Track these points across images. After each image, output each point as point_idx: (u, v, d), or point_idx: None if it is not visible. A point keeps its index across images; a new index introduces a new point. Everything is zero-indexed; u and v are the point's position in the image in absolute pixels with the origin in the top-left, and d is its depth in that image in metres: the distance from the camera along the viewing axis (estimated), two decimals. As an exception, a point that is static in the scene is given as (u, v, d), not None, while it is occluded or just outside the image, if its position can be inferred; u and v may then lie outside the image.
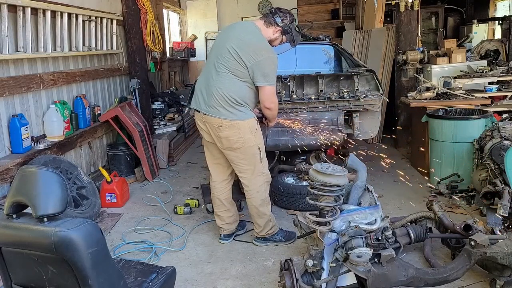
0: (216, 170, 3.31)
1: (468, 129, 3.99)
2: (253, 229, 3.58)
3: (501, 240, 2.54)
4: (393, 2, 5.89)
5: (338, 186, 2.29)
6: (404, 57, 5.57)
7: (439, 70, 5.64)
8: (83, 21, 4.47)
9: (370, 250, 2.20)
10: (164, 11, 8.03)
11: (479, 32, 8.31)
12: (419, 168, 4.85)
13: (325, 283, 2.26)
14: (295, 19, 3.19)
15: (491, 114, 4.13)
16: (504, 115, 4.37)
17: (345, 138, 3.91)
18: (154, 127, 5.95)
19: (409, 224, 2.98)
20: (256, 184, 3.16)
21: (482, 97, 5.06)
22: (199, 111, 3.11)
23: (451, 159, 4.09)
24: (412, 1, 5.56)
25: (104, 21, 4.94)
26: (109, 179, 4.18)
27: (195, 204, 4.08)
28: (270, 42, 3.07)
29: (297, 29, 3.16)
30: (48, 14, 3.80)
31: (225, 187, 3.33)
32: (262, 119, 3.27)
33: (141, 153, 4.90)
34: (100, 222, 3.79)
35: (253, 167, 3.12)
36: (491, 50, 6.84)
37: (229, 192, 3.36)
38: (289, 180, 4.08)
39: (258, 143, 3.10)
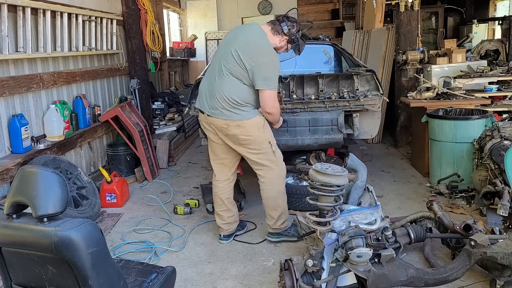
0: (219, 169, 3.32)
1: (468, 129, 3.99)
2: (253, 229, 3.60)
3: (501, 240, 2.54)
4: (393, 2, 5.88)
5: (338, 186, 2.30)
6: (404, 57, 5.57)
7: (439, 70, 5.64)
8: (83, 21, 4.46)
9: (370, 250, 2.20)
10: (164, 11, 8.03)
11: (479, 32, 8.30)
12: (419, 168, 4.85)
13: (325, 283, 2.26)
14: (302, 29, 3.20)
15: (491, 114, 4.13)
16: (504, 115, 4.37)
17: None
18: (154, 127, 5.95)
19: (409, 224, 2.98)
20: (271, 176, 3.16)
21: (482, 97, 5.06)
22: (203, 112, 3.11)
23: (451, 159, 4.09)
24: (412, 1, 5.56)
25: (104, 21, 4.93)
26: (109, 179, 4.17)
27: (195, 204, 4.08)
28: (275, 49, 3.06)
29: (303, 38, 3.16)
30: (48, 14, 3.79)
31: (227, 186, 3.33)
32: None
33: (141, 153, 4.90)
34: (100, 222, 3.79)
35: (266, 160, 3.12)
36: (491, 50, 6.84)
37: (231, 192, 3.36)
38: (289, 180, 4.07)
39: (268, 137, 3.10)
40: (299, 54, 3.24)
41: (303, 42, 3.17)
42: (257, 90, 2.95)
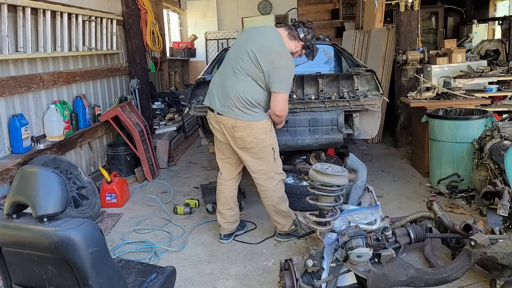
0: (225, 168, 3.34)
1: (468, 129, 3.99)
2: (253, 229, 3.60)
3: (501, 240, 2.54)
4: (393, 2, 5.88)
5: (338, 186, 2.30)
6: (404, 57, 5.57)
7: (439, 70, 5.64)
8: (83, 21, 4.46)
9: (370, 250, 2.20)
10: (164, 11, 8.03)
11: (479, 32, 8.30)
12: (419, 168, 4.85)
13: (325, 283, 2.26)
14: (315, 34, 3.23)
15: (491, 114, 4.13)
16: (504, 115, 4.37)
17: None
18: (154, 127, 5.95)
19: (409, 224, 2.98)
20: (271, 184, 3.18)
21: (482, 97, 5.06)
22: (212, 110, 3.11)
23: (451, 159, 4.09)
24: (412, 1, 5.56)
25: (104, 21, 4.93)
26: (109, 179, 4.17)
27: (195, 204, 4.08)
28: (291, 54, 3.08)
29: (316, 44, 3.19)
30: (48, 14, 3.79)
31: (232, 185, 3.35)
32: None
33: (141, 153, 4.90)
34: (100, 222, 3.79)
35: (267, 167, 3.14)
36: (491, 50, 6.84)
37: (235, 191, 3.39)
38: (289, 180, 4.07)
39: (272, 143, 3.12)
40: (312, 60, 3.27)
41: (317, 49, 3.21)
42: (270, 92, 2.97)
